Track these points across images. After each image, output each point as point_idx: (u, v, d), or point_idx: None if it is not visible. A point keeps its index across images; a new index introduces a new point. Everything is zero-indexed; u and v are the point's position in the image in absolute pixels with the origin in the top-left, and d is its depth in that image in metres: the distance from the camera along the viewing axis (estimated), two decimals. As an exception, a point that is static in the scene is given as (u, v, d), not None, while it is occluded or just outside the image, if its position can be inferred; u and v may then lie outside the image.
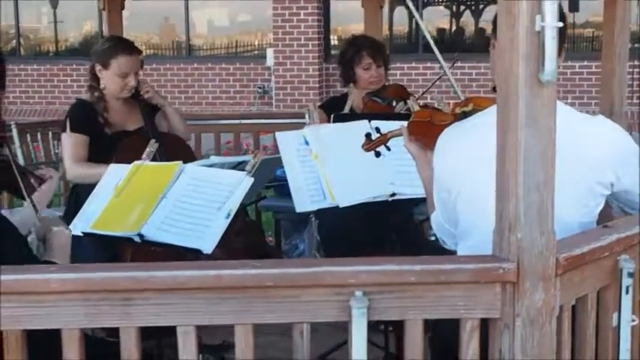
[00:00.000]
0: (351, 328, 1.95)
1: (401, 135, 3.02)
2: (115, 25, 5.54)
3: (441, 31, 15.01)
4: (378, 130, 3.26)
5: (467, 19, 15.04)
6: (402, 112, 4.21)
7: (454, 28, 15.13)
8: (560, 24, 1.88)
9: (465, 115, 2.78)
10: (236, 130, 5.87)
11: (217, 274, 1.94)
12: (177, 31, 14.99)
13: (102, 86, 4.24)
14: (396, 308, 1.99)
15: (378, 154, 3.27)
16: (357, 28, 14.89)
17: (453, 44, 14.46)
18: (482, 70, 12.74)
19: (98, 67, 4.23)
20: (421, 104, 4.20)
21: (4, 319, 1.94)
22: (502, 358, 2.01)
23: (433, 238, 5.62)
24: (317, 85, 13.47)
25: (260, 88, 13.90)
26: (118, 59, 4.18)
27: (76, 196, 4.23)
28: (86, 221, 3.32)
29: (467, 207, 2.59)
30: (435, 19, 14.93)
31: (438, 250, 5.33)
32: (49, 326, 1.96)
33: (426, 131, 2.92)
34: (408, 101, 4.05)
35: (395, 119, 3.69)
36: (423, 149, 2.97)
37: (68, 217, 3.83)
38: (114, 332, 2.03)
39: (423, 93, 4.59)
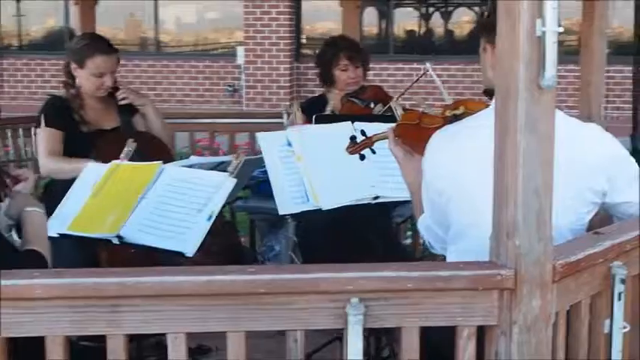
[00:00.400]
0: (347, 336, 1.91)
1: (387, 138, 2.98)
2: (88, 20, 5.46)
3: (410, 32, 15.02)
4: (363, 132, 3.21)
5: (436, 20, 15.06)
6: (384, 114, 4.17)
7: (423, 29, 15.15)
8: (561, 29, 1.84)
9: (456, 117, 2.75)
10: (211, 129, 5.79)
11: (208, 279, 1.88)
12: (146, 28, 14.86)
13: (77, 85, 4.16)
14: (393, 315, 1.95)
15: (362, 157, 3.23)
16: (328, 27, 14.89)
17: (422, 46, 14.49)
18: (453, 72, 12.76)
19: (73, 66, 4.14)
20: (405, 107, 4.17)
21: (-12, 326, 1.87)
22: (498, 366, 1.97)
23: (409, 241, 5.63)
24: (288, 85, 13.42)
25: (230, 86, 13.83)
26: (94, 59, 4.10)
27: (49, 195, 4.14)
28: (62, 222, 3.23)
29: (458, 210, 2.55)
30: (404, 21, 14.93)
31: (409, 253, 5.36)
32: (32, 334, 1.89)
33: (413, 134, 2.88)
34: (391, 103, 4.01)
35: (378, 121, 3.65)
36: (408, 153, 2.93)
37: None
38: (97, 338, 1.97)
39: (402, 94, 4.53)
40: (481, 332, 2.02)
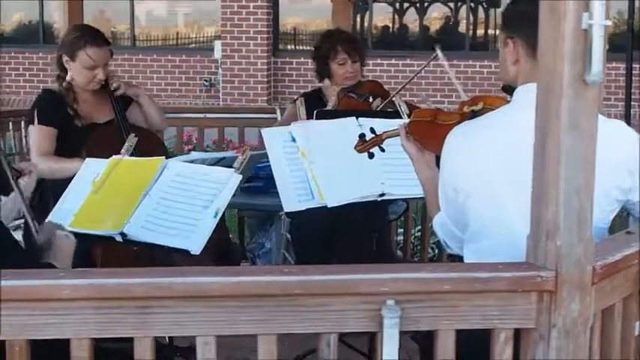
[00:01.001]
0: (382, 339, 1.85)
1: (397, 135, 2.92)
2: (75, 14, 5.36)
3: (384, 28, 14.99)
4: (372, 130, 3.13)
5: (411, 16, 15.04)
6: (386, 109, 4.11)
7: (397, 25, 15.13)
8: (609, 22, 1.79)
9: (474, 114, 2.69)
10: (201, 124, 5.71)
11: (243, 280, 1.81)
12: (122, 21, 14.71)
13: (69, 78, 4.06)
14: (428, 318, 1.89)
15: (371, 156, 3.15)
16: (306, 22, 14.84)
17: (396, 42, 14.47)
18: (432, 68, 12.70)
19: (65, 58, 4.05)
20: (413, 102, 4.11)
21: (10, 328, 1.79)
22: (535, 371, 1.92)
23: (401, 237, 5.59)
24: (265, 80, 13.34)
25: (206, 81, 13.72)
26: (87, 51, 4.01)
27: (41, 193, 4.04)
28: (63, 219, 3.14)
29: (478, 209, 2.49)
30: (378, 16, 14.90)
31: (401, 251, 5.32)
32: (58, 336, 1.81)
33: (427, 131, 2.82)
34: (395, 99, 3.95)
35: (382, 117, 3.60)
36: (421, 150, 2.88)
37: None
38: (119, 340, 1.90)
39: (401, 89, 4.46)
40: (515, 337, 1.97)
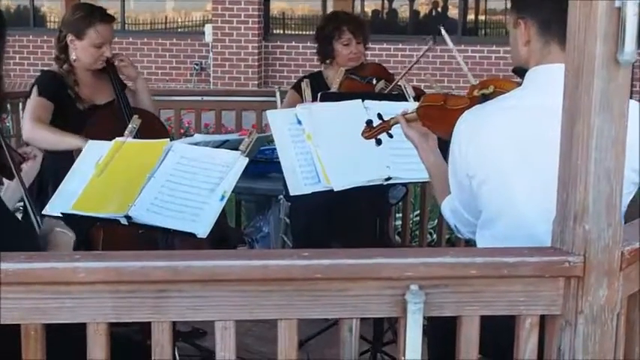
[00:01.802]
0: (405, 325, 1.80)
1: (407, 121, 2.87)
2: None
3: (374, 12, 14.91)
4: (380, 116, 3.07)
5: (401, 0, 14.97)
6: (391, 92, 4.05)
7: (386, 10, 15.05)
8: (643, 0, 1.74)
9: (485, 97, 2.64)
10: (198, 107, 5.63)
11: (263, 264, 1.76)
12: (112, 4, 14.56)
13: (73, 58, 3.99)
14: (452, 304, 1.84)
15: (379, 142, 3.09)
16: (297, 6, 14.73)
17: (387, 27, 14.39)
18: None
19: (70, 38, 3.99)
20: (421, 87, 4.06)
21: (25, 312, 1.73)
22: (561, 357, 1.87)
23: (399, 222, 5.54)
24: (256, 64, 13.25)
25: (197, 64, 13.62)
26: (96, 28, 3.95)
27: (40, 178, 3.97)
28: (66, 201, 3.08)
29: (493, 194, 2.45)
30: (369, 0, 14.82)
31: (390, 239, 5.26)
32: (73, 320, 1.75)
33: (437, 116, 2.77)
34: (401, 82, 3.89)
35: (389, 99, 3.54)
36: (423, 135, 2.83)
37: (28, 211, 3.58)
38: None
39: (407, 71, 4.40)
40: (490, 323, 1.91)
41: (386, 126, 3.04)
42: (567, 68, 1.84)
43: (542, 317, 1.90)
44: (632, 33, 1.73)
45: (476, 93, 2.70)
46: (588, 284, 1.83)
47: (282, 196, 4.78)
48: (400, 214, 5.44)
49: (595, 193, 1.81)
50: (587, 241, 1.82)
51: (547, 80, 2.45)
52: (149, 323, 1.79)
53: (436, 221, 5.62)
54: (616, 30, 1.74)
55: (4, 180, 2.79)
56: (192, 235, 2.91)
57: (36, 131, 3.85)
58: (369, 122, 3.07)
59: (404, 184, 4.47)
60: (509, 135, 2.42)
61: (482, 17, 14.70)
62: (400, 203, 5.10)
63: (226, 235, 4.62)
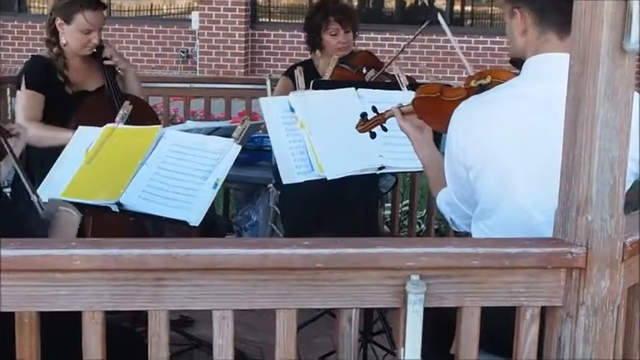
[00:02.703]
0: (405, 316, 1.77)
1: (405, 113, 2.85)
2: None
3: (360, 1, 14.85)
4: (374, 109, 3.03)
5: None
6: (384, 81, 4.03)
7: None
8: (649, -12, 1.72)
9: (482, 88, 2.61)
10: (187, 94, 5.58)
11: (263, 253, 1.73)
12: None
13: (62, 42, 3.94)
14: (453, 294, 1.82)
15: (373, 135, 3.05)
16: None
17: (373, 16, 14.34)
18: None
19: (59, 22, 3.93)
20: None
21: (19, 300, 1.70)
22: (562, 349, 1.86)
23: (388, 212, 5.52)
24: (243, 52, 13.18)
25: (183, 52, 13.53)
26: (84, 14, 3.90)
27: (27, 160, 3.93)
28: (55, 188, 3.04)
29: (491, 185, 2.42)
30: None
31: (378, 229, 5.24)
32: (69, 308, 1.72)
33: (433, 108, 2.73)
34: (394, 69, 3.86)
35: (382, 88, 3.52)
36: (419, 128, 2.80)
37: (17, 185, 3.54)
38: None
39: (390, 62, 4.38)
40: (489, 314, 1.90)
41: (381, 119, 3.00)
42: (572, 55, 1.81)
43: (542, 308, 1.88)
44: (638, 21, 1.71)
45: (473, 84, 2.67)
46: (590, 276, 1.82)
47: (271, 185, 4.75)
48: (389, 204, 5.42)
49: (599, 183, 1.79)
50: (589, 232, 1.80)
51: (545, 69, 2.43)
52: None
53: (425, 211, 5.61)
54: (623, 17, 1.72)
55: None
56: (184, 223, 2.88)
57: (30, 132, 3.79)
58: (364, 115, 3.03)
59: (394, 174, 4.45)
60: (506, 125, 2.40)
61: (468, 8, 14.67)
62: (389, 193, 5.08)
63: (214, 223, 4.58)
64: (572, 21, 1.82)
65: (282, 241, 1.77)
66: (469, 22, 14.54)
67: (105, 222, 3.62)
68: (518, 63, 2.58)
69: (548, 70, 2.43)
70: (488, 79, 2.64)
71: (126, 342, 2.27)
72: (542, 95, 2.40)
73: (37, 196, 2.57)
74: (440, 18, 3.92)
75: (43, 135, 3.80)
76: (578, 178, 1.80)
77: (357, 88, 3.43)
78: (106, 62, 4.01)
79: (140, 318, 3.52)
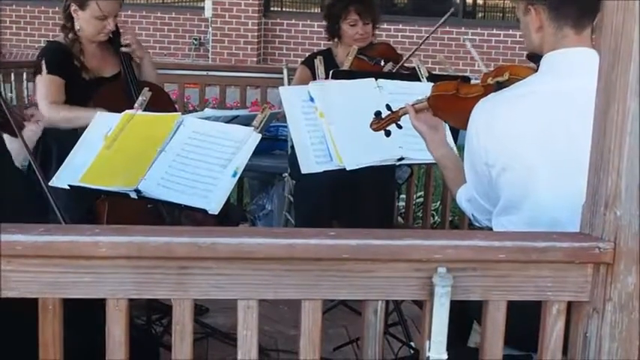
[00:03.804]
0: (432, 309, 1.76)
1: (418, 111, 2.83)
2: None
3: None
4: (388, 107, 3.01)
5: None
6: (403, 72, 4.01)
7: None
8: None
9: (499, 85, 2.59)
10: (202, 82, 5.56)
11: (290, 243, 1.72)
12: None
13: (77, 28, 3.92)
14: (479, 287, 1.81)
15: (388, 134, 3.03)
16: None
17: (386, 7, 14.28)
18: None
19: (74, 7, 3.91)
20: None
21: (43, 286, 1.69)
22: (587, 345, 1.84)
23: (402, 204, 5.51)
24: (255, 40, 13.14)
25: (196, 39, 13.50)
26: (97, 1, 3.87)
27: (43, 145, 3.92)
28: (73, 173, 3.03)
29: (514, 181, 2.41)
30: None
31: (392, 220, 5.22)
32: (93, 295, 1.71)
33: (450, 105, 2.72)
34: (414, 61, 3.84)
35: (401, 79, 3.50)
36: (432, 127, 2.79)
37: (33, 169, 3.53)
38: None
39: (412, 53, 4.36)
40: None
41: (395, 117, 2.98)
42: (603, 50, 1.80)
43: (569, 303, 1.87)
44: (671, 17, 1.69)
45: (490, 81, 2.66)
46: (617, 271, 1.80)
47: (286, 174, 4.74)
48: (403, 195, 5.40)
49: (628, 178, 1.77)
50: (617, 227, 1.78)
51: (565, 65, 2.43)
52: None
53: (439, 203, 5.59)
54: (656, 12, 1.70)
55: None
56: (203, 212, 2.87)
57: (54, 113, 3.80)
58: (378, 114, 3.01)
59: (409, 165, 4.43)
60: (528, 122, 2.39)
61: (480, 1, 14.61)
62: (404, 184, 5.07)
63: (228, 211, 4.58)
64: (604, 17, 1.80)
65: (308, 231, 1.74)
66: (481, 14, 14.47)
67: (120, 209, 3.62)
68: (535, 57, 2.57)
69: (569, 65, 2.42)
70: (506, 76, 2.62)
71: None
72: (563, 90, 2.39)
73: (49, 187, 2.56)
74: (468, 45, 3.88)
75: (70, 116, 3.79)
76: (607, 173, 1.79)
77: (376, 79, 3.40)
78: (123, 49, 3.99)
79: (155, 306, 3.53)
